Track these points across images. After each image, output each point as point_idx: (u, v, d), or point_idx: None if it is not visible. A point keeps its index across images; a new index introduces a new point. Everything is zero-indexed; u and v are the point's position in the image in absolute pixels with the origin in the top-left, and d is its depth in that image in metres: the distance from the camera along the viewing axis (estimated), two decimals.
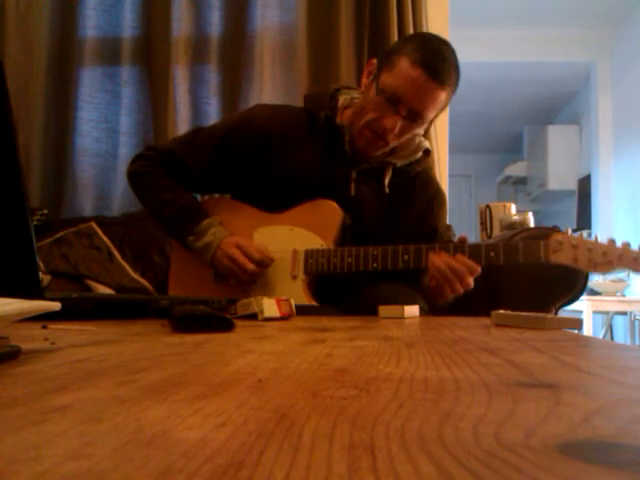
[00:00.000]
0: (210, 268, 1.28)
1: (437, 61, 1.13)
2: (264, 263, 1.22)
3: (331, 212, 1.25)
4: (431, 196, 1.34)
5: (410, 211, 1.30)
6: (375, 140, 1.21)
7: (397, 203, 1.29)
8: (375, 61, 1.23)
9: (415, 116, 1.17)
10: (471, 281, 1.11)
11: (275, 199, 1.28)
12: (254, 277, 1.23)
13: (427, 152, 1.32)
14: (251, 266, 1.20)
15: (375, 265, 1.16)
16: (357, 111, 1.23)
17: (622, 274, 3.66)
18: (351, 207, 1.25)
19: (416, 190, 1.31)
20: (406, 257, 1.15)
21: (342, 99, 1.29)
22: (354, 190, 1.26)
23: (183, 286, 1.34)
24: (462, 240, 1.16)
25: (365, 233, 1.26)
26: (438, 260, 1.11)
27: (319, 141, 1.27)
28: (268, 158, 1.27)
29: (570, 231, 1.14)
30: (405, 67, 1.13)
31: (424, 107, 1.15)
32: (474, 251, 1.12)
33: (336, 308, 1.18)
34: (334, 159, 1.26)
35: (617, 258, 1.07)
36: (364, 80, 1.25)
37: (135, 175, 1.34)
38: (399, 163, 1.28)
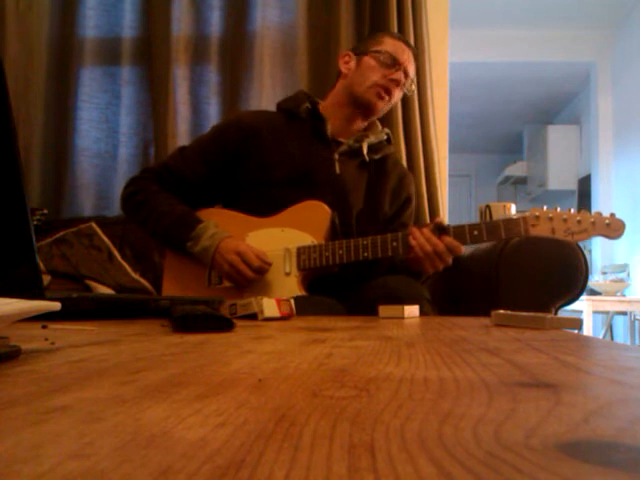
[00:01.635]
0: (205, 270, 1.29)
1: (406, 39, 1.50)
2: (263, 269, 1.24)
3: (320, 211, 1.30)
4: (402, 172, 1.53)
5: (386, 183, 1.46)
6: (383, 95, 1.39)
7: (375, 177, 1.44)
8: (349, 52, 1.45)
9: (406, 75, 1.40)
10: (450, 259, 1.20)
11: (269, 188, 1.33)
12: (252, 283, 1.25)
13: (389, 140, 1.51)
14: (251, 274, 1.23)
15: (366, 254, 1.23)
16: (357, 80, 1.39)
17: (622, 274, 3.66)
18: (337, 184, 1.37)
19: (389, 167, 1.48)
20: (395, 244, 1.22)
21: (315, 99, 1.46)
22: (339, 169, 1.39)
23: (177, 289, 1.35)
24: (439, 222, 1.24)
25: (350, 209, 1.37)
26: (419, 236, 1.19)
27: (300, 131, 1.40)
28: (258, 150, 1.37)
29: (545, 207, 1.20)
30: (390, 40, 1.41)
31: (411, 69, 1.42)
32: (458, 231, 1.20)
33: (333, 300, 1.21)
34: (317, 145, 1.39)
35: (591, 225, 1.14)
36: (345, 65, 1.43)
37: (130, 195, 1.37)
38: (372, 137, 1.44)
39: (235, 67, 2.04)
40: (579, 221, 1.15)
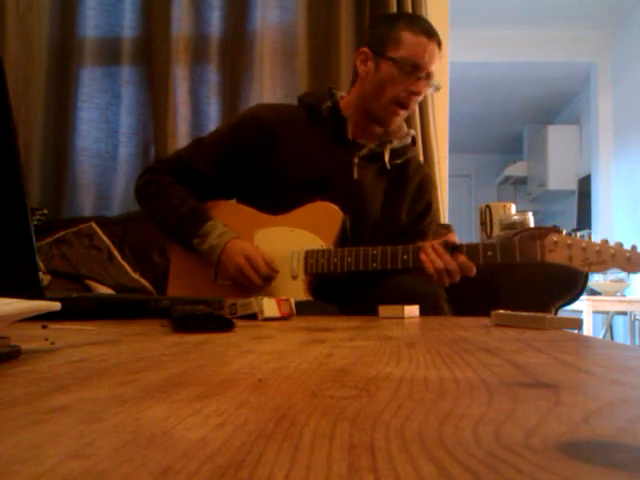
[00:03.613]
0: (211, 268, 1.28)
1: (428, 25, 1.33)
2: (271, 277, 1.22)
3: (331, 214, 1.27)
4: (423, 177, 1.46)
5: (406, 190, 1.40)
6: (398, 110, 1.31)
7: (395, 185, 1.38)
8: (366, 49, 1.33)
9: (429, 76, 1.30)
10: (459, 278, 1.17)
11: (283, 189, 1.31)
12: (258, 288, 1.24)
13: (413, 141, 1.45)
14: (259, 281, 1.21)
15: (375, 265, 1.19)
16: (373, 90, 1.30)
17: (622, 274, 3.66)
18: (354, 190, 1.32)
19: (410, 172, 1.41)
20: (405, 257, 1.18)
21: (338, 94, 1.40)
22: (357, 174, 1.33)
23: (183, 286, 1.34)
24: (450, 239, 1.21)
25: (366, 217, 1.32)
26: (432, 252, 1.16)
27: (320, 131, 1.34)
28: (274, 149, 1.32)
29: (565, 232, 1.17)
30: (411, 38, 1.27)
31: (434, 65, 1.30)
32: (472, 251, 1.16)
33: (339, 307, 1.20)
34: (336, 146, 1.33)
35: (610, 257, 1.10)
36: (362, 67, 1.33)
37: (143, 185, 1.35)
38: (395, 142, 1.37)
39: (235, 67, 2.04)
40: (598, 251, 1.10)
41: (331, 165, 1.32)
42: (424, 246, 1.17)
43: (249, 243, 1.25)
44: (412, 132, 1.43)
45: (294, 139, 1.33)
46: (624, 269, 1.10)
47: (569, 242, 1.12)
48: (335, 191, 1.29)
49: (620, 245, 1.11)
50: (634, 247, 1.11)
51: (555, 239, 1.13)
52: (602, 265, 1.10)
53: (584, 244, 1.11)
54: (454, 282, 1.17)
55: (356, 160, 1.33)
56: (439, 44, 1.31)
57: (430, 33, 1.29)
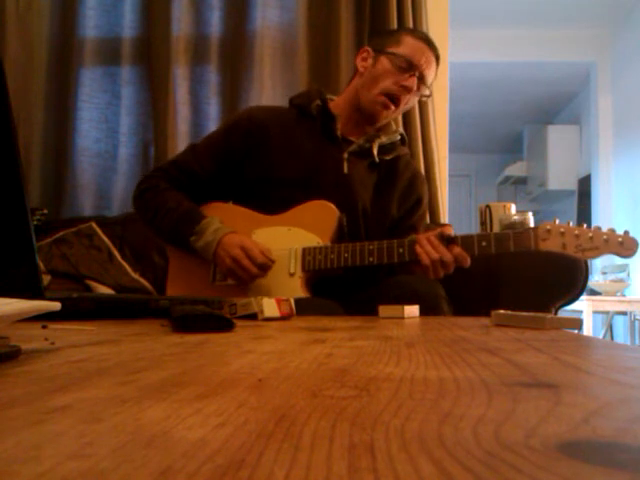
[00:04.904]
0: (209, 266, 1.28)
1: (430, 38, 1.41)
2: (267, 266, 1.22)
3: (327, 212, 1.29)
4: (413, 173, 1.48)
5: (396, 185, 1.43)
6: (388, 105, 1.35)
7: (384, 179, 1.42)
8: (368, 48, 1.40)
9: (421, 80, 1.35)
10: (453, 269, 1.19)
11: (277, 187, 1.33)
12: (255, 280, 1.24)
13: (403, 140, 1.48)
14: (255, 270, 1.21)
15: (371, 259, 1.21)
16: (367, 83, 1.36)
17: (622, 274, 3.67)
18: (344, 184, 1.35)
19: (400, 168, 1.44)
20: (401, 250, 1.20)
21: (327, 96, 1.44)
22: (347, 169, 1.37)
23: (181, 286, 1.34)
24: (446, 230, 1.23)
25: (356, 210, 1.35)
26: (426, 243, 1.17)
27: (310, 129, 1.39)
28: (268, 148, 1.36)
29: (557, 221, 1.16)
30: (411, 41, 1.35)
31: (428, 72, 1.36)
32: (466, 242, 1.17)
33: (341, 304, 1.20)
34: (327, 143, 1.37)
35: (603, 243, 1.10)
36: (362, 63, 1.39)
37: (141, 193, 1.37)
38: (384, 138, 1.41)
39: (235, 67, 2.04)
40: (591, 237, 1.10)
41: (321, 161, 1.35)
42: (419, 238, 1.19)
43: (244, 235, 1.26)
44: (400, 130, 1.47)
45: (285, 138, 1.37)
46: (618, 254, 1.11)
47: (562, 230, 1.13)
48: (326, 186, 1.32)
49: (613, 231, 1.12)
50: (627, 232, 1.12)
51: (548, 227, 1.13)
52: (596, 251, 1.10)
53: (577, 231, 1.12)
54: (448, 273, 1.18)
55: (345, 155, 1.37)
56: (437, 58, 1.37)
57: (430, 43, 1.37)
